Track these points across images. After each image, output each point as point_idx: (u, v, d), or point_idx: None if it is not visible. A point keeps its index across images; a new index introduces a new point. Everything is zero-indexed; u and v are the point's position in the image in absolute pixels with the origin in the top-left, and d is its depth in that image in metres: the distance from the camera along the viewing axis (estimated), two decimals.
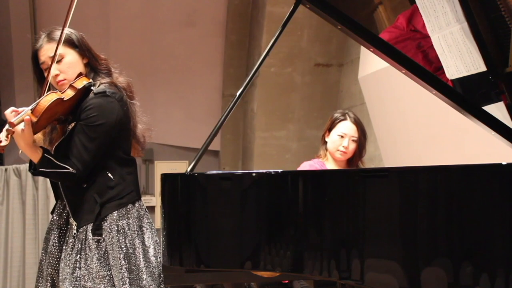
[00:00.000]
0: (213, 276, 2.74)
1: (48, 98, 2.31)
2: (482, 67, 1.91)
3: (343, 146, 3.09)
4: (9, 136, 2.23)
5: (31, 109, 2.30)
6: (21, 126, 2.27)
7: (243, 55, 6.15)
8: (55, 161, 2.33)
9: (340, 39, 5.50)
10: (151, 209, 6.25)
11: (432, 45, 2.04)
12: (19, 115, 2.29)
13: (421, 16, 2.03)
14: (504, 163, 1.44)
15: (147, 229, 2.45)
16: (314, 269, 1.73)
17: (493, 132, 2.00)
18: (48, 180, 4.85)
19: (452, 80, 2.06)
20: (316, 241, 1.73)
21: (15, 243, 4.99)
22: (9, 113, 2.32)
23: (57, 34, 2.45)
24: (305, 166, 3.19)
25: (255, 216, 1.86)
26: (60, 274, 2.41)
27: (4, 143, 2.21)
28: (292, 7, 2.21)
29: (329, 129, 3.16)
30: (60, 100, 2.33)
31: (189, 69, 6.15)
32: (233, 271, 2.52)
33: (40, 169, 2.33)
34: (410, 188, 1.59)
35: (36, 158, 2.33)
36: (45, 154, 2.33)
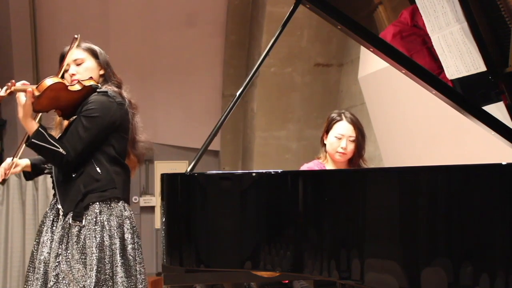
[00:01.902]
0: (213, 276, 2.74)
1: (52, 79, 2.55)
2: (482, 67, 1.91)
3: (341, 147, 3.05)
4: (7, 91, 2.47)
5: (36, 85, 2.53)
6: (23, 97, 2.49)
7: (243, 55, 6.15)
8: (48, 137, 2.53)
9: (340, 39, 5.50)
10: (151, 209, 6.25)
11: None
12: (26, 86, 2.53)
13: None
14: (504, 163, 1.44)
15: (127, 229, 2.62)
16: (314, 269, 1.73)
17: (493, 132, 2.00)
18: (48, 180, 4.86)
19: (452, 80, 2.06)
20: (316, 241, 1.73)
21: (15, 243, 4.99)
22: (20, 84, 2.54)
23: (84, 44, 2.76)
24: (304, 168, 3.18)
25: (255, 216, 1.86)
26: (50, 260, 2.58)
27: (2, 93, 2.46)
28: (292, 7, 2.21)
29: (327, 131, 3.14)
30: (63, 85, 2.56)
31: (189, 69, 6.15)
32: (233, 271, 2.52)
33: (32, 140, 2.51)
34: (410, 188, 1.59)
35: (31, 130, 2.52)
36: (40, 128, 2.53)
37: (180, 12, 6.01)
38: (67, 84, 2.58)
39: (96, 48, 2.76)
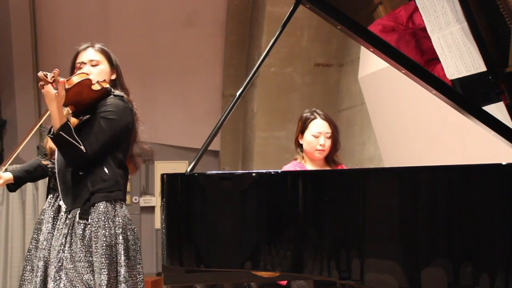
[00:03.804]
0: (213, 276, 2.74)
1: (82, 75, 2.61)
2: (482, 67, 1.91)
3: (320, 145, 3.13)
4: (53, 78, 2.47)
5: (66, 79, 2.54)
6: (53, 89, 2.49)
7: (243, 55, 6.14)
8: (74, 133, 2.55)
9: (340, 39, 5.50)
10: (151, 209, 6.25)
11: (427, 36, 2.03)
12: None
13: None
14: (504, 163, 1.44)
15: (130, 231, 2.66)
16: (314, 269, 1.73)
17: (493, 132, 2.00)
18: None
19: (452, 80, 2.06)
20: (316, 241, 1.73)
21: (15, 243, 4.99)
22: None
23: (98, 46, 2.80)
24: (287, 168, 3.20)
25: (255, 216, 1.86)
26: (51, 257, 2.60)
27: (49, 78, 2.45)
28: (292, 7, 2.21)
29: (302, 131, 3.19)
30: (89, 82, 2.60)
31: (189, 69, 6.15)
32: (233, 271, 2.52)
33: (60, 132, 2.51)
34: (410, 188, 1.59)
35: (61, 122, 2.52)
36: (68, 122, 2.55)
37: (180, 12, 6.01)
38: (91, 80, 2.63)
39: (110, 52, 2.81)
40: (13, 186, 2.93)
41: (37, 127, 2.85)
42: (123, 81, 2.82)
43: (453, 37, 1.95)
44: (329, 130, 3.15)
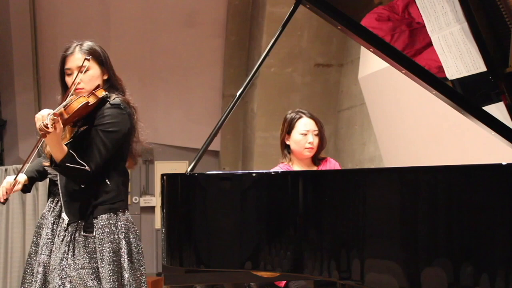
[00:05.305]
0: (213, 276, 2.74)
1: (80, 100, 2.52)
2: (482, 67, 1.91)
3: (309, 143, 3.14)
4: (54, 124, 2.36)
5: (63, 107, 2.47)
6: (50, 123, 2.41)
7: (243, 55, 6.14)
8: (77, 158, 2.50)
9: (340, 39, 5.49)
10: (151, 209, 6.25)
11: (422, 27, 2.04)
12: (55, 110, 2.42)
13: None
14: (504, 163, 1.44)
15: (132, 234, 2.66)
16: (314, 269, 1.73)
17: (493, 133, 2.00)
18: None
19: (452, 80, 2.06)
20: (316, 241, 1.73)
21: (15, 243, 4.99)
22: (45, 114, 2.42)
23: (86, 45, 2.66)
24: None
25: (255, 216, 1.86)
26: (51, 265, 2.58)
27: (50, 130, 2.35)
28: (292, 7, 2.21)
29: (288, 132, 3.19)
30: (87, 104, 2.53)
31: (189, 69, 6.14)
32: (233, 271, 2.52)
33: (66, 164, 2.47)
34: (410, 188, 1.59)
35: (62, 153, 2.47)
36: (70, 150, 2.50)
37: (180, 12, 6.01)
38: (88, 100, 2.55)
39: (98, 49, 2.68)
40: (26, 187, 2.88)
41: (41, 143, 2.76)
42: (116, 78, 2.72)
43: (453, 37, 1.95)
44: (316, 128, 3.18)
